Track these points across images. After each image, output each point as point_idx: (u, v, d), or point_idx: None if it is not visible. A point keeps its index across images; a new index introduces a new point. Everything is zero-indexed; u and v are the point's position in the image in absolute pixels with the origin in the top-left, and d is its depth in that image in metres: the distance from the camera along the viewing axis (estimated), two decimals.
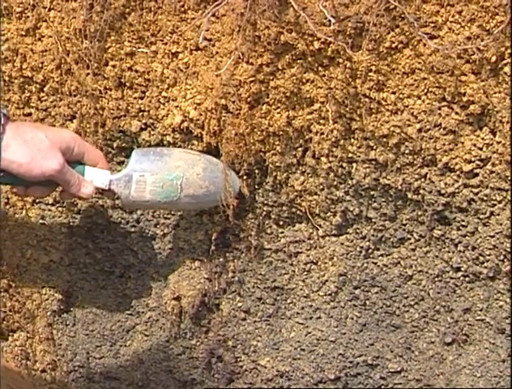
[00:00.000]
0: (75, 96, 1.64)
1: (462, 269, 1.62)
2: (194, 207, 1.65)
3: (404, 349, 1.72)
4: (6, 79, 1.65)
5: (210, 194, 1.61)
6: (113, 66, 1.60)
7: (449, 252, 1.62)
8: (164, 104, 1.62)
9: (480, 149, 1.51)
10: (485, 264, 1.60)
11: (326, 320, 1.73)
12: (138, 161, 1.59)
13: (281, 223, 1.69)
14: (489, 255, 1.59)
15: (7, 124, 1.47)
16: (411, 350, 1.71)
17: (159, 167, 1.59)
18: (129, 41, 1.58)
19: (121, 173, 1.60)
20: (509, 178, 1.52)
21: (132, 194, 1.59)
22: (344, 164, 1.59)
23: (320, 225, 1.67)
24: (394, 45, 1.47)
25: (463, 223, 1.59)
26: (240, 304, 1.76)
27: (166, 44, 1.57)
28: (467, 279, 1.63)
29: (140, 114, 1.64)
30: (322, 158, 1.59)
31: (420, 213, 1.61)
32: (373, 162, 1.58)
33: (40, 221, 1.76)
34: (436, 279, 1.65)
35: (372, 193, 1.61)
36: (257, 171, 1.63)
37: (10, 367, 1.80)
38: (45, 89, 1.66)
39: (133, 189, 1.59)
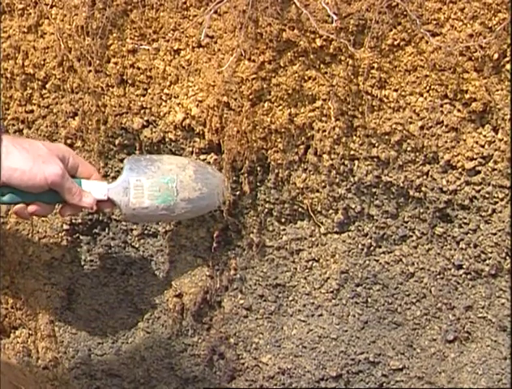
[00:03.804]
0: (77, 93, 1.65)
1: (464, 266, 1.62)
2: (190, 214, 1.64)
3: (406, 347, 1.72)
4: (8, 76, 1.66)
5: (204, 197, 1.62)
6: (115, 64, 1.61)
7: (451, 249, 1.62)
8: (165, 101, 1.62)
9: (482, 146, 1.51)
10: (487, 262, 1.60)
11: (327, 317, 1.73)
12: (131, 168, 1.60)
13: (283, 220, 1.69)
14: (491, 253, 1.59)
15: (3, 134, 1.47)
16: (413, 348, 1.71)
17: (153, 171, 1.60)
18: (131, 38, 1.58)
19: (118, 181, 1.59)
20: (511, 176, 1.52)
21: (131, 201, 1.58)
22: (346, 162, 1.59)
23: (322, 223, 1.67)
24: (396, 43, 1.47)
25: (465, 220, 1.58)
26: (241, 301, 1.76)
27: (168, 41, 1.57)
28: (468, 276, 1.63)
29: (142, 111, 1.64)
30: (324, 155, 1.59)
31: (421, 211, 1.61)
32: (375, 159, 1.58)
33: (42, 218, 1.76)
34: (438, 276, 1.65)
35: (374, 190, 1.61)
36: (259, 168, 1.63)
37: (12, 364, 1.80)
38: (47, 86, 1.66)
39: (132, 195, 1.58)
